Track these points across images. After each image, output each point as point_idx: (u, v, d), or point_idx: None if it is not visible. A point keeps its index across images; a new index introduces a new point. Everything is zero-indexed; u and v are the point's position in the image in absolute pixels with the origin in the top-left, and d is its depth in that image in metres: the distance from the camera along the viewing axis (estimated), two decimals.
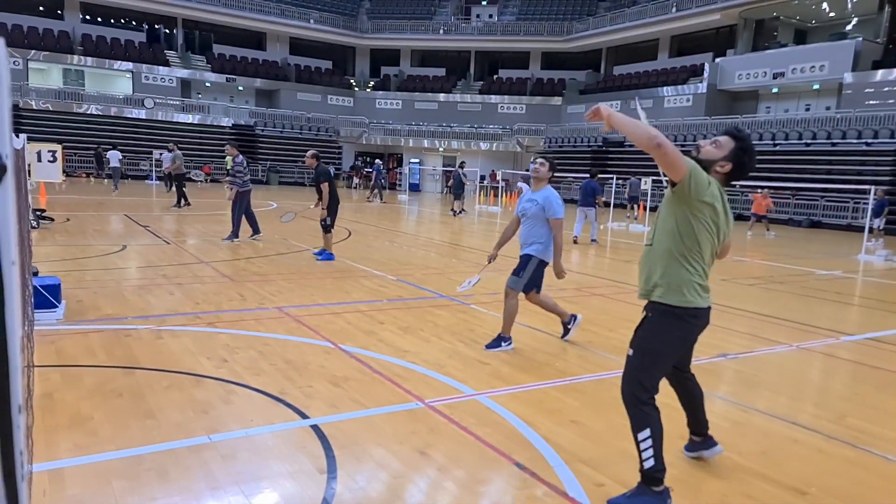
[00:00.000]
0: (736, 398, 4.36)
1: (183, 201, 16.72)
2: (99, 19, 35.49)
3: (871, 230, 15.08)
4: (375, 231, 14.42)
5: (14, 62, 30.85)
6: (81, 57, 33.34)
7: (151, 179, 29.28)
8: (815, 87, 27.98)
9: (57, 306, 5.41)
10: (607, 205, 19.48)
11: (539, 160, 5.25)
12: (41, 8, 34.09)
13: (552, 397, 4.17)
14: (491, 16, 42.49)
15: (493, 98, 39.81)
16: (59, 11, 34.28)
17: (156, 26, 37.59)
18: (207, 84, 37.30)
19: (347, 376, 4.33)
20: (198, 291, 6.87)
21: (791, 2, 29.13)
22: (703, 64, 31.92)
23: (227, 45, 38.42)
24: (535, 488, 2.94)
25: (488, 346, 5.20)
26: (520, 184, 23.22)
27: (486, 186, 31.26)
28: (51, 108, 30.63)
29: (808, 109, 28.32)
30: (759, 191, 18.85)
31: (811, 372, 5.35)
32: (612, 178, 21.06)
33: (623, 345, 5.42)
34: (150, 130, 31.94)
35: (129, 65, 34.32)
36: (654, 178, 19.14)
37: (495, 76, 41.81)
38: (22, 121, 27.83)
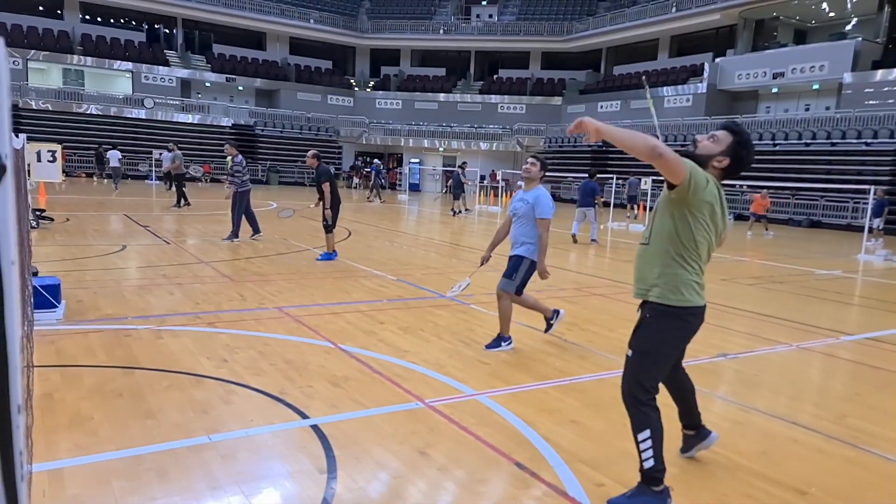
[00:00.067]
0: (736, 398, 4.36)
1: (183, 201, 16.72)
2: (99, 19, 35.49)
3: (870, 230, 15.08)
4: (375, 231, 14.42)
5: (14, 62, 30.84)
6: (81, 57, 33.33)
7: (151, 179, 29.28)
8: (815, 87, 27.98)
9: (57, 306, 5.41)
10: (607, 205, 19.48)
11: (530, 160, 5.23)
12: (41, 8, 34.08)
13: (552, 397, 4.17)
14: (491, 16, 42.49)
15: (493, 98, 39.81)
16: (58, 11, 34.27)
17: (155, 26, 37.59)
18: (207, 84, 37.30)
19: (347, 376, 4.33)
20: (198, 291, 6.87)
21: (791, 2, 29.13)
22: (703, 64, 31.92)
23: (226, 45, 38.41)
24: (535, 488, 2.94)
25: (488, 346, 5.20)
26: (520, 182, 23.23)
27: (486, 186, 31.27)
28: (50, 108, 30.62)
29: (807, 109, 28.32)
30: (760, 191, 18.87)
31: (811, 372, 5.35)
32: (612, 178, 21.03)
33: (623, 345, 5.41)
34: (150, 130, 31.93)
35: (129, 65, 34.32)
36: (654, 177, 19.14)
37: (495, 76, 41.81)
38: (21, 121, 27.83)
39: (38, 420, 3.31)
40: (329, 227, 9.41)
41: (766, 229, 18.83)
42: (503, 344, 5.21)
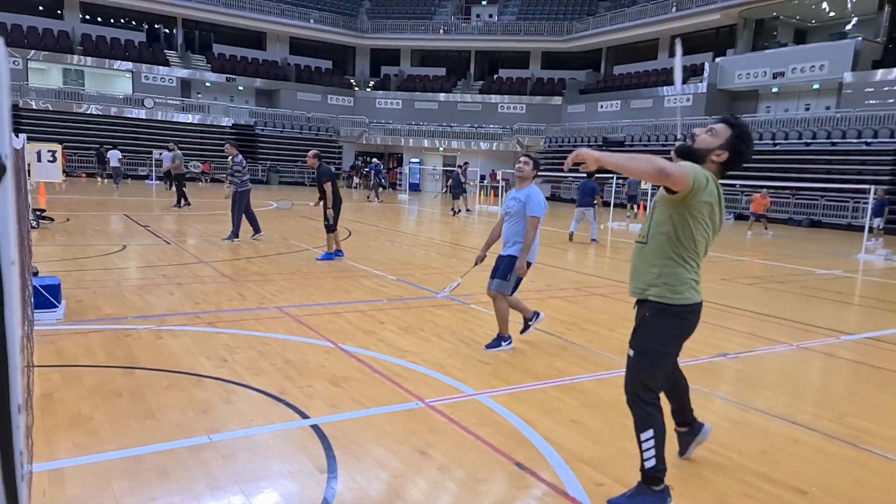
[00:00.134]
0: (736, 397, 4.36)
1: (183, 201, 16.72)
2: (99, 19, 35.49)
3: (870, 230, 15.07)
4: (376, 231, 14.42)
5: (14, 62, 30.83)
6: (81, 57, 33.33)
7: (151, 179, 29.29)
8: (815, 86, 27.98)
9: (57, 306, 5.41)
10: (606, 204, 19.48)
11: (523, 158, 5.21)
12: (41, 8, 34.08)
13: (552, 397, 4.17)
14: (491, 15, 42.48)
15: (493, 98, 39.81)
16: (58, 11, 34.27)
17: (155, 26, 37.59)
18: (207, 84, 37.29)
19: (347, 376, 4.33)
20: (198, 291, 6.87)
21: (791, 1, 29.13)
22: (703, 63, 31.91)
23: (226, 45, 38.41)
24: (536, 488, 2.94)
25: (488, 346, 5.20)
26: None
27: (486, 186, 31.27)
28: (50, 108, 30.62)
29: (807, 109, 28.31)
30: (760, 190, 18.87)
31: (811, 371, 5.35)
32: (612, 178, 21.03)
33: (623, 344, 5.41)
34: (150, 130, 31.93)
35: (129, 65, 34.32)
36: None
37: (495, 76, 41.80)
38: (22, 121, 27.82)
39: (38, 420, 3.31)
40: (330, 227, 9.42)
41: (766, 228, 18.83)
42: (503, 344, 5.20)
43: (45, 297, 5.29)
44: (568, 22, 39.29)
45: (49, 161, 10.36)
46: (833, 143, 23.97)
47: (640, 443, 2.76)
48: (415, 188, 36.69)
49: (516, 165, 5.22)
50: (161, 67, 35.25)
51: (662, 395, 3.04)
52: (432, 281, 8.23)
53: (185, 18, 37.23)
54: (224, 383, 4.07)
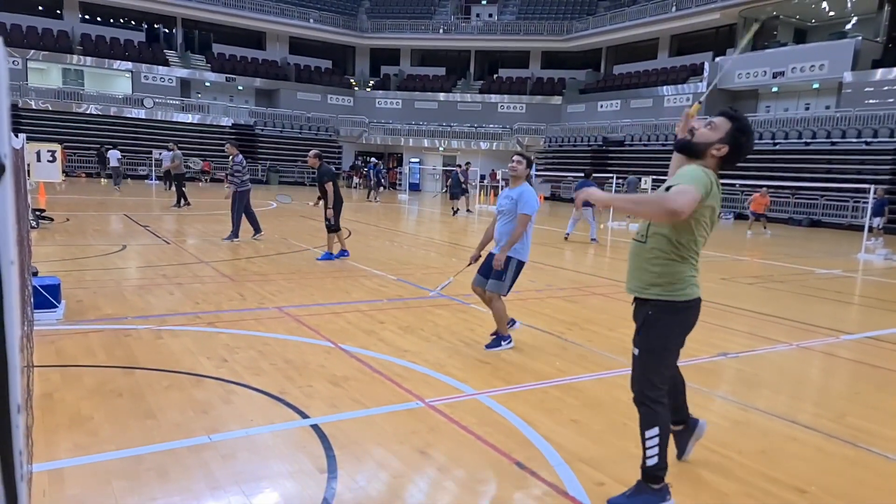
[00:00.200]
0: (736, 397, 4.36)
1: (182, 201, 16.72)
2: (98, 19, 35.48)
3: (870, 229, 15.08)
4: (376, 231, 14.42)
5: (13, 62, 30.84)
6: (81, 56, 33.33)
7: (151, 179, 29.29)
8: (815, 86, 27.98)
9: (57, 306, 5.41)
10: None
11: (516, 157, 5.20)
12: (40, 7, 34.08)
13: (552, 397, 4.17)
14: (491, 15, 42.48)
15: (493, 97, 39.81)
16: (58, 11, 34.26)
17: (155, 26, 37.58)
18: (207, 84, 37.29)
19: (347, 376, 4.33)
20: (198, 291, 6.87)
21: (791, 1, 29.12)
22: (703, 63, 31.92)
23: (226, 45, 38.41)
24: (536, 487, 2.94)
25: (488, 346, 5.20)
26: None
27: (486, 186, 31.27)
28: (50, 108, 30.62)
29: (807, 109, 28.31)
30: (761, 190, 18.87)
31: (811, 371, 5.35)
32: (612, 178, 21.03)
33: (623, 344, 5.43)
34: (150, 130, 31.93)
35: (129, 64, 34.32)
36: (654, 177, 19.14)
37: (495, 76, 41.80)
38: (21, 121, 27.82)
39: (38, 420, 3.31)
40: (331, 227, 9.43)
41: (765, 228, 18.82)
42: (503, 343, 5.20)
43: (45, 297, 5.29)
44: (568, 21, 39.30)
45: (49, 161, 10.36)
46: (833, 143, 23.97)
47: (644, 440, 2.76)
48: (415, 188, 36.69)
49: (509, 164, 5.22)
50: (161, 67, 35.24)
51: None
52: (432, 281, 8.23)
53: (185, 18, 37.22)
54: (224, 383, 4.07)
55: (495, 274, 5.10)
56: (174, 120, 33.44)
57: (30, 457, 2.21)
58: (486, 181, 31.83)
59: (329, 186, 9.24)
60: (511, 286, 5.17)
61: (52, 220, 11.97)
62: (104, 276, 7.45)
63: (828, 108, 27.00)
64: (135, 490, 2.72)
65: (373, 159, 31.33)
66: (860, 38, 26.13)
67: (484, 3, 42.88)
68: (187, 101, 35.04)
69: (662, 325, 2.74)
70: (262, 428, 3.42)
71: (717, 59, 31.21)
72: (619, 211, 2.97)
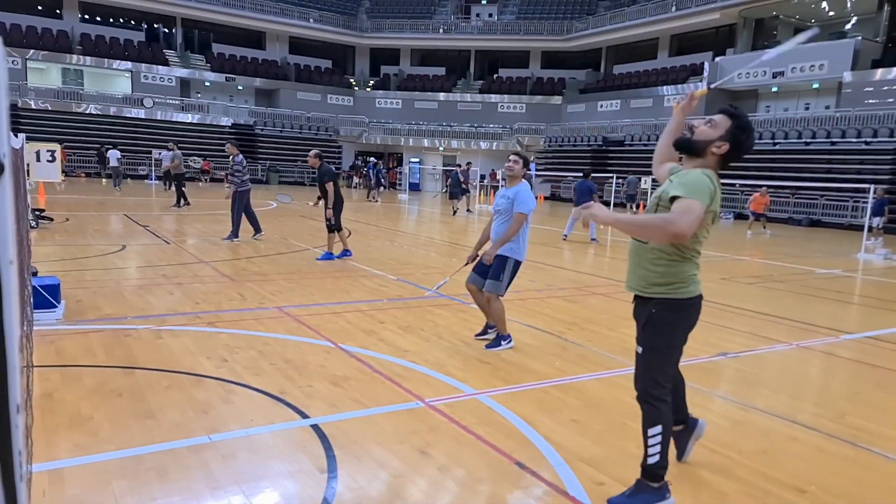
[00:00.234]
0: (736, 397, 4.36)
1: (182, 201, 16.72)
2: (98, 18, 35.48)
3: (870, 229, 15.08)
4: (376, 231, 14.42)
5: (12, 62, 30.84)
6: (80, 56, 33.32)
7: (151, 179, 29.28)
8: (815, 86, 27.98)
9: (56, 306, 5.41)
10: (606, 204, 19.47)
11: (512, 157, 5.20)
12: (40, 7, 34.07)
13: (552, 396, 4.17)
14: (491, 15, 42.48)
15: (493, 97, 39.81)
16: (57, 11, 34.25)
17: (155, 25, 37.57)
18: (207, 83, 37.29)
19: (347, 376, 4.33)
20: (198, 291, 6.86)
21: (790, 1, 29.12)
22: (703, 63, 31.91)
23: (226, 45, 38.40)
24: (536, 487, 2.94)
25: (488, 346, 5.20)
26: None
27: (486, 186, 31.28)
28: (50, 108, 30.62)
29: (807, 108, 28.31)
30: (760, 189, 18.87)
31: (811, 370, 5.35)
32: (612, 178, 21.02)
33: (623, 344, 5.43)
34: (150, 130, 31.93)
35: (129, 64, 34.31)
36: (654, 177, 19.10)
37: (495, 75, 41.80)
38: (21, 120, 27.81)
39: (38, 420, 3.31)
40: (332, 227, 9.43)
41: (764, 227, 18.82)
42: (503, 343, 5.20)
43: (45, 297, 5.29)
44: (568, 21, 39.29)
45: (48, 161, 10.37)
46: (833, 143, 23.97)
47: (646, 438, 2.76)
48: (415, 188, 36.69)
49: (506, 164, 5.23)
50: (160, 67, 35.24)
51: None
52: (432, 280, 8.22)
53: (185, 18, 37.21)
54: (224, 383, 4.07)
55: (493, 274, 5.10)
56: (174, 120, 33.44)
57: (29, 457, 2.21)
58: (485, 181, 31.83)
59: (329, 186, 9.25)
60: (508, 286, 5.18)
61: (51, 220, 11.96)
62: (104, 276, 7.45)
63: (827, 107, 27.00)
64: (135, 490, 2.71)
65: (371, 159, 31.33)
66: (860, 37, 26.13)
67: (484, 2, 42.87)
68: (187, 101, 35.04)
69: (666, 322, 2.74)
70: (262, 428, 3.42)
71: (717, 58, 31.20)
72: (626, 233, 3.02)
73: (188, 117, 34.16)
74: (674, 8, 32.89)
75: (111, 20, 35.94)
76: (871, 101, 24.52)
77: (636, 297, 2.85)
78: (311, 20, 39.41)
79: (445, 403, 3.92)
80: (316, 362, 4.59)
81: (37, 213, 11.60)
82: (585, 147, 33.29)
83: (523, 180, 5.21)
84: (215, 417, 3.52)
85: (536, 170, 32.89)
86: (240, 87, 38.10)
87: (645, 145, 30.64)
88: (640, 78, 35.70)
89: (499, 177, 27.18)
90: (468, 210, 22.03)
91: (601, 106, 36.42)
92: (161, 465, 2.95)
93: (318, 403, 3.80)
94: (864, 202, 19.20)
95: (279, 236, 11.96)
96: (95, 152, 28.72)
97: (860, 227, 16.63)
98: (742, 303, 7.71)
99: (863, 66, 25.54)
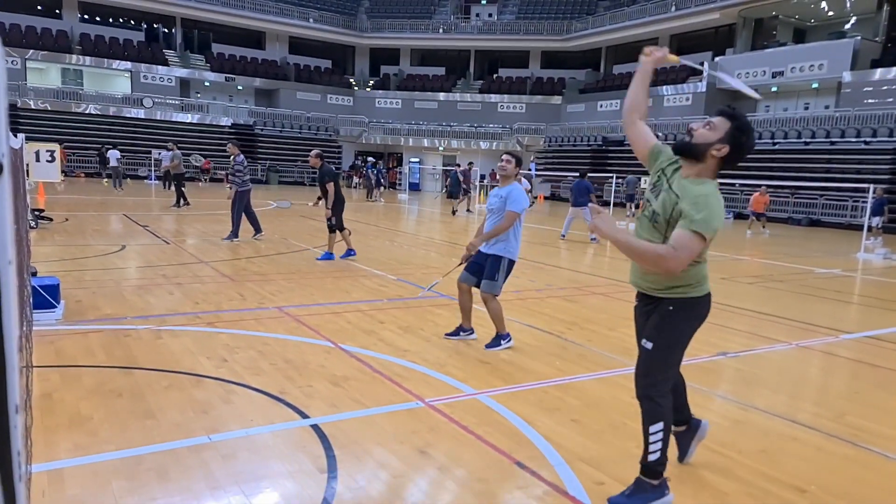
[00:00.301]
0: (735, 396, 4.36)
1: (182, 201, 16.71)
2: (97, 18, 35.46)
3: (870, 228, 15.09)
4: (376, 231, 14.42)
5: (12, 62, 30.84)
6: (80, 56, 33.31)
7: (151, 179, 29.27)
8: (814, 85, 27.98)
9: (56, 306, 5.41)
10: (605, 204, 19.47)
11: (505, 157, 5.22)
12: (39, 7, 34.06)
13: (552, 396, 4.16)
14: (490, 15, 42.47)
15: (493, 97, 39.80)
16: (57, 11, 34.24)
17: (154, 25, 37.56)
18: (206, 83, 37.28)
19: (347, 376, 4.33)
20: (197, 291, 6.86)
21: (790, 1, 29.13)
22: (703, 63, 31.90)
23: (226, 45, 38.39)
24: (536, 487, 2.94)
25: (488, 346, 5.20)
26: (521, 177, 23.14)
27: (486, 186, 31.28)
28: (49, 108, 30.60)
29: (807, 108, 28.32)
30: (760, 189, 18.88)
31: (810, 370, 5.35)
32: (611, 178, 21.01)
33: (623, 343, 5.43)
34: (149, 130, 31.92)
35: (128, 64, 34.30)
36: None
37: (495, 75, 41.79)
38: (20, 120, 27.79)
39: (38, 420, 3.31)
40: (332, 227, 9.43)
41: (764, 227, 18.83)
42: (503, 342, 5.20)
43: (44, 297, 5.29)
44: (567, 21, 39.29)
45: (48, 161, 10.36)
46: (832, 143, 23.98)
47: (647, 436, 2.75)
48: (415, 188, 36.68)
49: (498, 164, 5.24)
50: (160, 67, 35.23)
51: None
52: (432, 280, 8.23)
53: (184, 18, 37.20)
54: (224, 383, 4.07)
55: (488, 275, 5.11)
56: (173, 120, 33.42)
57: (29, 457, 2.21)
58: (485, 181, 31.84)
59: (330, 186, 9.25)
60: (502, 284, 5.18)
61: (51, 220, 11.96)
62: (103, 276, 7.44)
63: (827, 107, 27.01)
64: (135, 490, 2.71)
65: (370, 159, 31.32)
66: (859, 37, 26.15)
67: (484, 2, 42.87)
68: (187, 101, 35.03)
69: (682, 319, 2.74)
70: (262, 428, 3.42)
71: (717, 58, 31.20)
72: (620, 251, 3.04)
73: (188, 117, 34.15)
74: (673, 8, 32.90)
75: (111, 20, 35.92)
76: (870, 100, 24.54)
77: (646, 295, 2.84)
78: (311, 20, 39.40)
79: (445, 403, 3.92)
80: (316, 362, 4.59)
81: (36, 213, 11.59)
82: (585, 147, 33.30)
83: (517, 180, 5.23)
84: (215, 417, 3.52)
85: (536, 170, 32.90)
86: (239, 87, 38.09)
87: None
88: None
89: (499, 177, 27.15)
90: (468, 210, 22.03)
91: (601, 106, 36.42)
92: (161, 465, 2.95)
93: (318, 403, 3.80)
94: (863, 202, 19.20)
95: (279, 236, 11.96)
96: (96, 153, 28.72)
97: (860, 227, 16.63)
98: (742, 302, 7.71)
99: (862, 65, 25.56)
